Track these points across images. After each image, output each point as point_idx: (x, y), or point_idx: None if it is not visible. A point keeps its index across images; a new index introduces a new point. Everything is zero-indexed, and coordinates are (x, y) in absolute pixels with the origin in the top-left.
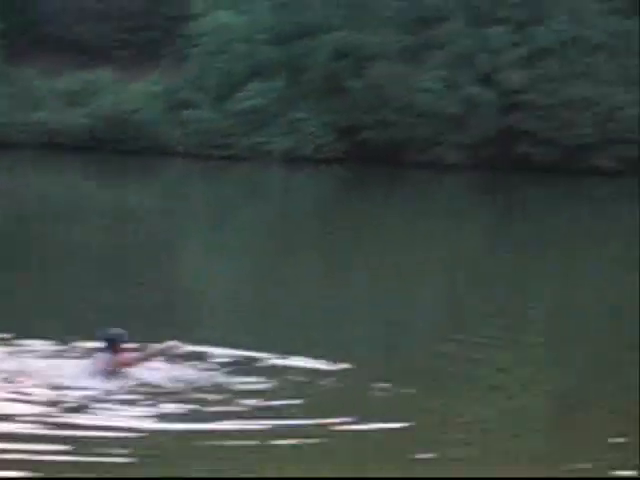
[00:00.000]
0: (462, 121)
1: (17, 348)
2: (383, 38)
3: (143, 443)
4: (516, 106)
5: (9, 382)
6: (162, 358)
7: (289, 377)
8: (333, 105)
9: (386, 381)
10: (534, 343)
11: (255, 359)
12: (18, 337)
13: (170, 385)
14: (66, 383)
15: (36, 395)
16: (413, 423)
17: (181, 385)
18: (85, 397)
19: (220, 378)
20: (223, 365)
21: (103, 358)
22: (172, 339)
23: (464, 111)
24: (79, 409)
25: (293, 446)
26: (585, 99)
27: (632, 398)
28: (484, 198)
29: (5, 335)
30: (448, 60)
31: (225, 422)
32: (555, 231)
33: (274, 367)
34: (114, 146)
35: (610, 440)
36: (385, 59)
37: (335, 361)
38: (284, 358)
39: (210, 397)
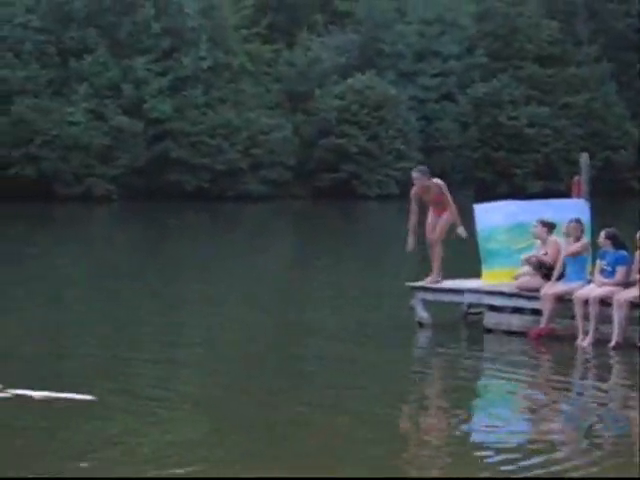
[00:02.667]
0: (111, 152)
1: None
2: (28, 72)
3: None
4: (164, 135)
5: None
6: None
7: None
8: None
9: None
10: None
11: None
12: None
13: None
14: None
15: None
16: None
17: None
18: None
19: None
20: None
21: None
22: None
23: (112, 142)
24: None
25: None
26: (231, 125)
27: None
28: (135, 227)
29: None
30: (94, 92)
31: None
32: (207, 254)
33: None
34: None
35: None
36: (30, 93)
37: None
38: None
39: None
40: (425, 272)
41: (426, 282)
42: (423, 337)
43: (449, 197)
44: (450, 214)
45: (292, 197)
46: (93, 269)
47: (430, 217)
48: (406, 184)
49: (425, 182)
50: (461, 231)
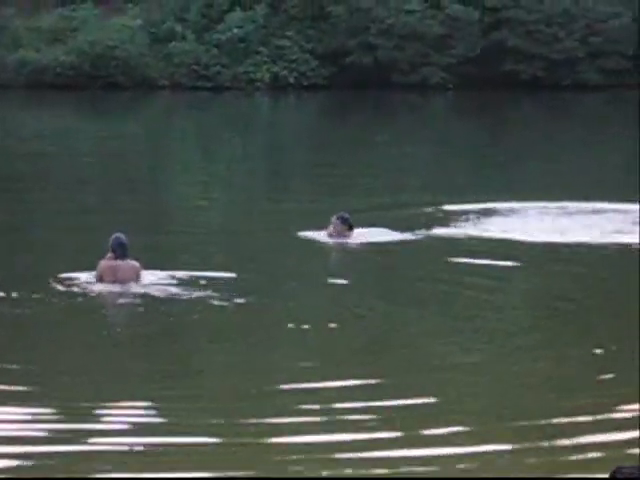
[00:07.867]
0: (446, 41)
1: None
2: None
3: None
4: (500, 23)
5: None
6: None
7: None
8: (316, 31)
9: None
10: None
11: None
12: None
13: None
14: None
15: None
16: None
17: None
18: None
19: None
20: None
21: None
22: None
23: (448, 31)
24: None
25: None
26: (567, 13)
27: None
28: (471, 115)
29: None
30: None
31: None
32: (547, 141)
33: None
34: (98, 83)
35: None
36: None
37: None
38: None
39: None
40: None
41: None
42: None
43: None
44: None
45: (629, 87)
46: (435, 157)
47: None
48: None
49: None
50: None
